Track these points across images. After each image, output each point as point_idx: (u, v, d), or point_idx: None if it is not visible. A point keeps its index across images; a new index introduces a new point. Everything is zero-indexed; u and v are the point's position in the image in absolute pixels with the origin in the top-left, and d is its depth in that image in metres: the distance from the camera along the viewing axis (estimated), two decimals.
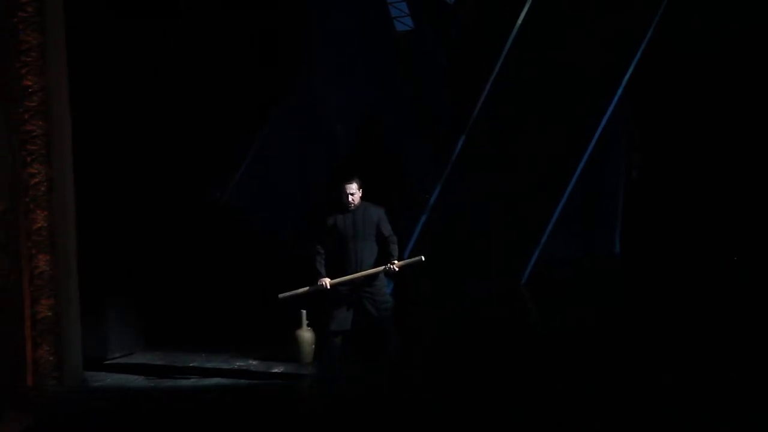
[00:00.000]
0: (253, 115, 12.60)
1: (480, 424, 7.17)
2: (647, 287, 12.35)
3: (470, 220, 13.08)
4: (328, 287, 8.27)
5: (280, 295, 8.45)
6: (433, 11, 14.20)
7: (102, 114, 9.64)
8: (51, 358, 8.33)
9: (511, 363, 9.09)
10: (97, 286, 9.37)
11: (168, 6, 11.26)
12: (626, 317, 11.04)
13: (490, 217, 13.09)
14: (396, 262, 8.27)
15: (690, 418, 7.01)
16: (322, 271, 8.32)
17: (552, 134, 13.27)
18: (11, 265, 8.25)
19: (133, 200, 10.10)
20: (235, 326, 10.85)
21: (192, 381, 8.96)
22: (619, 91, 13.28)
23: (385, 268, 8.26)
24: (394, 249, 8.33)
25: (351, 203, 8.31)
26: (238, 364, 9.56)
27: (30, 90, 8.18)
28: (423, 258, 8.35)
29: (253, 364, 9.54)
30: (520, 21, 13.26)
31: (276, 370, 9.23)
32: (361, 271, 8.28)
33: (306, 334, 9.51)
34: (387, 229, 8.35)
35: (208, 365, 9.54)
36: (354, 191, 8.32)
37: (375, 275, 8.32)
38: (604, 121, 13.33)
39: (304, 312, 9.49)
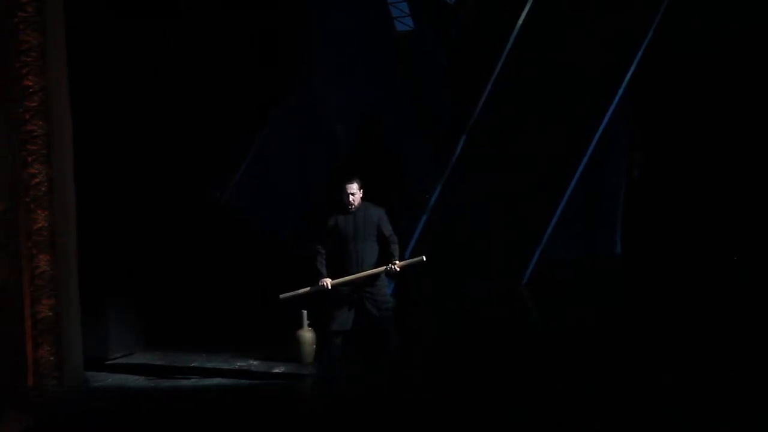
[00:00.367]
0: (253, 115, 12.60)
1: (480, 424, 7.17)
2: (648, 287, 12.34)
3: (471, 220, 13.08)
4: (330, 287, 8.28)
5: (282, 296, 8.45)
6: (433, 11, 14.19)
7: (102, 114, 9.64)
8: (51, 358, 8.33)
9: (512, 363, 9.09)
10: (98, 286, 9.37)
11: (168, 6, 11.26)
12: (627, 317, 11.04)
13: (490, 217, 13.08)
14: (397, 262, 8.27)
15: (690, 418, 7.01)
16: (323, 271, 8.32)
17: (553, 134, 13.26)
18: (12, 265, 8.25)
19: (134, 200, 10.10)
20: (235, 326, 10.84)
21: (192, 381, 8.96)
22: (620, 91, 13.27)
23: (386, 268, 8.26)
24: (395, 249, 8.33)
25: (351, 203, 8.31)
26: (239, 364, 9.56)
27: (30, 90, 8.18)
28: (424, 258, 8.35)
29: (253, 364, 9.54)
30: (520, 21, 13.26)
31: (277, 371, 9.23)
32: (361, 272, 8.28)
33: (307, 335, 9.51)
34: (388, 229, 8.35)
35: (209, 365, 9.54)
36: (354, 191, 8.32)
37: (376, 275, 8.32)
38: (605, 121, 13.32)
39: (304, 312, 9.49)
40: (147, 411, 8.03)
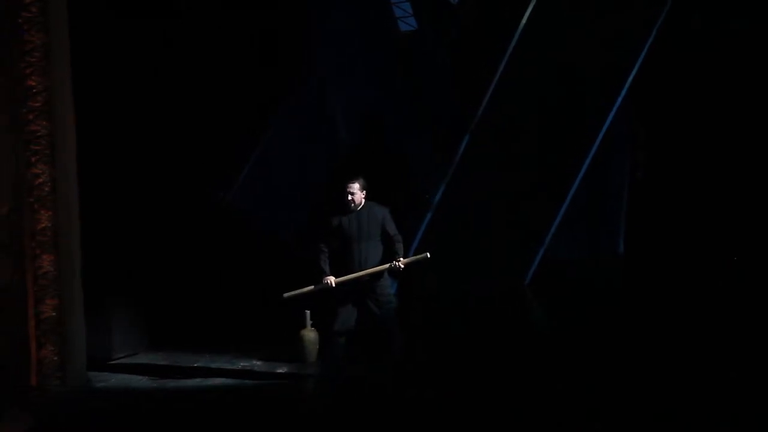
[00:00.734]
0: (255, 115, 12.61)
1: (482, 423, 7.17)
2: (651, 288, 12.34)
3: (474, 219, 13.08)
4: (333, 286, 8.29)
5: (285, 294, 8.46)
6: (435, 11, 14.20)
7: (105, 114, 9.65)
8: (55, 358, 8.34)
9: (514, 362, 9.09)
10: (101, 287, 9.38)
11: (170, 6, 11.27)
12: (629, 317, 11.04)
13: (493, 216, 13.09)
14: (401, 259, 8.28)
15: (690, 418, 7.01)
16: (327, 269, 8.33)
17: (555, 134, 13.26)
18: (15, 265, 8.26)
19: (137, 201, 10.11)
20: (238, 327, 10.86)
21: (196, 381, 8.96)
22: (623, 91, 13.27)
23: (390, 265, 8.27)
24: (400, 248, 8.34)
25: (350, 203, 8.31)
26: (242, 364, 9.56)
27: (34, 90, 8.19)
28: (428, 255, 8.35)
29: (257, 364, 9.54)
30: (523, 21, 13.26)
31: (280, 371, 9.23)
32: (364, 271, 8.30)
33: (310, 334, 9.52)
34: (392, 228, 8.36)
35: (212, 365, 9.54)
36: (354, 191, 8.32)
37: (380, 275, 8.33)
38: (607, 121, 13.33)
39: (307, 312, 9.50)
40: (150, 411, 8.03)
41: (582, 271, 13.57)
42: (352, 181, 8.35)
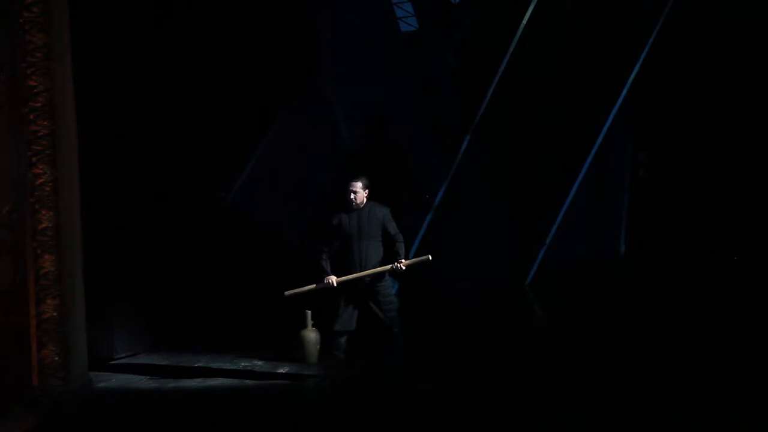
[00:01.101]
0: (257, 115, 12.61)
1: (482, 423, 7.17)
2: (652, 287, 12.33)
3: (475, 219, 13.09)
4: (335, 285, 8.29)
5: (287, 293, 8.46)
6: (437, 11, 14.21)
7: (107, 114, 9.65)
8: (56, 358, 8.32)
9: (515, 362, 9.09)
10: (103, 286, 9.38)
11: (173, 6, 11.27)
12: (630, 317, 11.03)
13: (495, 216, 13.09)
14: (403, 260, 8.28)
15: (690, 418, 7.00)
16: (328, 268, 8.34)
17: (557, 134, 13.26)
18: (16, 265, 8.25)
19: (139, 200, 10.11)
20: (240, 326, 10.86)
21: (197, 381, 8.96)
22: (624, 91, 13.27)
23: (392, 266, 8.27)
24: (401, 248, 8.35)
25: (353, 201, 8.32)
26: (243, 364, 9.56)
27: (35, 90, 8.17)
28: (430, 257, 8.36)
29: (258, 364, 9.54)
30: (525, 20, 13.26)
31: (281, 371, 9.23)
32: (365, 271, 8.29)
33: (311, 335, 9.51)
34: (393, 228, 8.37)
35: (214, 365, 9.54)
36: (357, 190, 8.34)
37: (381, 275, 8.33)
38: (609, 121, 13.32)
39: (308, 312, 9.50)
40: (151, 411, 8.03)
41: (583, 271, 13.57)
42: (355, 179, 8.38)
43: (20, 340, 8.22)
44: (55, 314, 8.28)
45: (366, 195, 8.41)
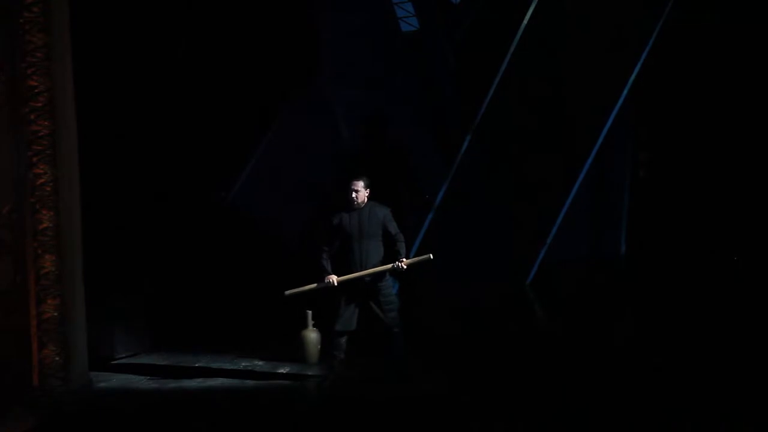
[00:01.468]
0: (258, 115, 12.61)
1: (482, 423, 7.17)
2: (653, 287, 12.34)
3: (476, 219, 13.09)
4: (335, 284, 8.29)
5: (287, 292, 8.46)
6: (438, 11, 14.21)
7: (108, 114, 9.66)
8: (56, 358, 8.32)
9: (515, 362, 9.09)
10: (103, 286, 9.38)
11: (173, 6, 11.27)
12: (632, 317, 11.03)
13: (495, 216, 13.09)
14: (404, 259, 8.29)
15: (690, 418, 7.00)
16: (328, 268, 8.34)
17: (557, 134, 13.27)
18: (17, 265, 8.25)
19: (139, 200, 10.11)
20: (240, 326, 10.86)
21: (197, 381, 8.96)
22: (625, 91, 13.27)
23: (393, 266, 8.27)
24: (402, 248, 8.35)
25: (354, 200, 8.33)
26: (244, 364, 9.57)
27: (36, 90, 8.17)
28: (431, 256, 8.36)
29: (258, 364, 9.54)
30: (525, 20, 13.26)
31: (282, 371, 9.23)
32: (365, 270, 8.30)
33: (311, 335, 9.52)
34: (394, 228, 8.37)
35: (214, 365, 9.55)
36: (359, 189, 8.35)
37: (381, 275, 8.33)
38: (609, 121, 13.33)
39: (309, 312, 9.50)
40: (151, 411, 8.03)
41: (584, 270, 13.58)
42: (357, 178, 8.38)
43: (21, 340, 8.22)
44: (55, 314, 8.28)
45: (367, 194, 8.42)
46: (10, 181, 8.22)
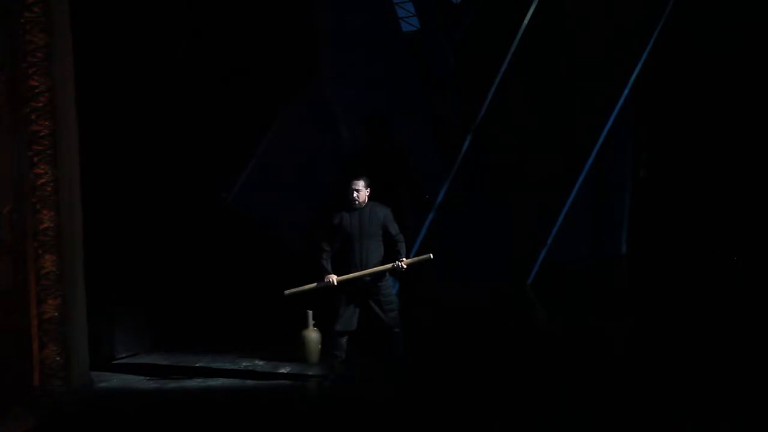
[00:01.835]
0: (258, 115, 12.61)
1: (483, 423, 7.17)
2: (654, 288, 12.33)
3: (476, 219, 13.08)
4: (335, 284, 8.30)
5: (287, 292, 8.47)
6: (438, 11, 14.20)
7: (109, 114, 9.66)
8: (57, 358, 8.32)
9: (515, 362, 9.09)
10: (104, 286, 9.38)
11: (173, 6, 11.27)
12: (632, 318, 11.03)
13: (496, 216, 13.08)
14: (404, 259, 8.29)
15: (690, 418, 7.00)
16: (329, 267, 8.35)
17: (558, 134, 13.26)
18: (17, 265, 8.25)
19: (140, 200, 10.12)
20: (241, 326, 10.86)
21: (198, 381, 8.97)
22: (626, 91, 13.27)
23: (393, 265, 8.28)
24: (402, 248, 8.36)
25: (355, 200, 8.34)
26: (244, 364, 9.57)
27: (36, 90, 8.18)
28: (432, 256, 8.36)
29: (259, 364, 9.54)
30: (526, 20, 13.26)
31: (282, 371, 9.23)
32: (365, 270, 8.30)
33: (312, 335, 9.52)
34: (394, 228, 8.38)
35: (214, 365, 9.55)
36: (360, 188, 8.35)
37: (381, 275, 8.34)
38: (610, 121, 13.32)
39: (310, 312, 9.50)
40: (152, 411, 8.04)
41: (585, 271, 13.57)
42: (358, 178, 8.39)
43: (21, 340, 8.22)
44: (56, 314, 8.29)
45: (368, 194, 8.43)
46: (11, 181, 8.22)
